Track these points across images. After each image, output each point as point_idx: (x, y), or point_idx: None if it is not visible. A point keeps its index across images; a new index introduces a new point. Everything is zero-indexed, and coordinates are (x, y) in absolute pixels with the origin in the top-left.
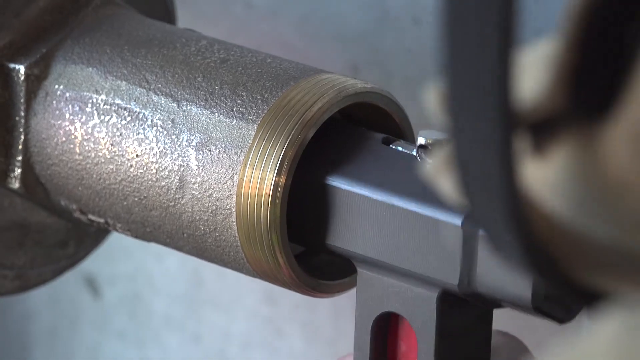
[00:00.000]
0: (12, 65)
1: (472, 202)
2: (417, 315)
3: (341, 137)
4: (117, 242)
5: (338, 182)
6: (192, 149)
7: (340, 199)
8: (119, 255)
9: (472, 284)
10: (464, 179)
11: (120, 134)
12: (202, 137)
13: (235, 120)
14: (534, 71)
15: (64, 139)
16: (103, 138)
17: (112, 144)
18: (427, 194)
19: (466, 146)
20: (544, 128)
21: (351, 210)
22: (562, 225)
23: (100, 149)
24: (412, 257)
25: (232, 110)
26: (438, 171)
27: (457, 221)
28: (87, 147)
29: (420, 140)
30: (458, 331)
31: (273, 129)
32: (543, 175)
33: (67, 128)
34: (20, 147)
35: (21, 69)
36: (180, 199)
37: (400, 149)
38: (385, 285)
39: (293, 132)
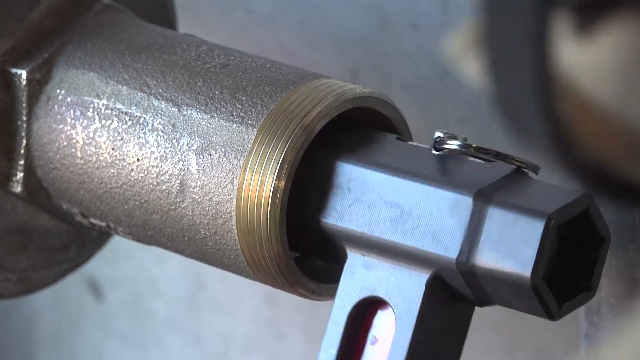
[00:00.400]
0: (14, 70)
1: (500, 80)
2: (402, 299)
3: (341, 140)
4: (119, 246)
5: (347, 164)
6: (193, 153)
7: (344, 176)
8: (121, 259)
9: (471, 259)
10: (493, 56)
11: (122, 138)
12: (202, 141)
13: (235, 125)
14: None
15: (65, 143)
16: (104, 142)
17: (113, 148)
18: (435, 173)
19: (499, 21)
20: (593, 7)
21: (352, 189)
22: (596, 109)
23: (102, 153)
24: (412, 232)
25: (232, 115)
26: (464, 50)
27: (468, 195)
28: (88, 151)
29: (438, 134)
30: (436, 328)
31: (273, 133)
32: (586, 57)
33: (68, 132)
34: (22, 151)
35: (23, 73)
36: (181, 203)
37: (413, 144)
38: (374, 268)
39: (292, 136)
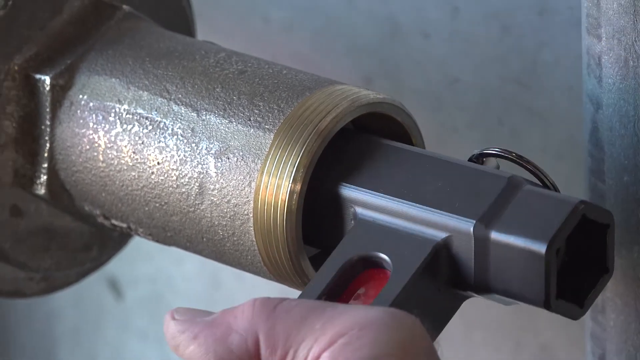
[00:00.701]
0: (38, 76)
1: None
2: (402, 260)
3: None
4: (139, 246)
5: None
6: (211, 156)
7: (372, 146)
8: (140, 258)
9: (490, 227)
10: None
11: (142, 142)
12: (220, 145)
13: (252, 129)
14: None
15: (88, 147)
16: (125, 146)
17: (134, 152)
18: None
19: None
20: None
21: (375, 156)
22: None
23: (123, 157)
24: (434, 196)
25: (250, 120)
26: None
27: (504, 174)
28: (110, 155)
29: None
30: (422, 301)
31: (289, 137)
32: None
33: (91, 136)
34: (46, 154)
35: (47, 79)
36: (200, 205)
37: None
38: (381, 229)
39: (308, 140)
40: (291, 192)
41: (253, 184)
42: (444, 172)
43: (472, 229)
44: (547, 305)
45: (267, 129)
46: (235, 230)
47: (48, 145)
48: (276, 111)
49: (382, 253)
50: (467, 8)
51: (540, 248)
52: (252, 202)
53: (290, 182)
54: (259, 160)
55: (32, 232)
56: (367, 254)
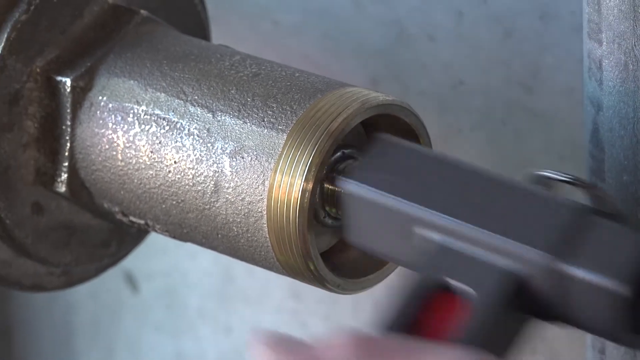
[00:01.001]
0: (59, 78)
1: None
2: (483, 287)
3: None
4: (154, 241)
5: None
6: (226, 156)
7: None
8: (156, 253)
9: (567, 261)
10: None
11: (160, 142)
12: (235, 145)
13: (266, 130)
14: None
15: (107, 146)
16: (143, 146)
17: (152, 151)
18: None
19: None
20: None
21: (447, 178)
22: None
23: (141, 156)
24: (504, 222)
25: (264, 121)
26: None
27: (575, 204)
28: (128, 154)
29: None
30: (497, 328)
31: (301, 138)
32: None
33: (110, 136)
34: (66, 153)
35: (67, 81)
36: (215, 203)
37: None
38: (454, 254)
39: (320, 141)
40: (303, 190)
41: (267, 183)
42: (507, 194)
43: (549, 263)
44: (624, 342)
45: (280, 129)
46: (249, 227)
47: (69, 144)
48: (289, 112)
49: (462, 282)
50: (471, 13)
51: (624, 289)
52: (265, 200)
53: (303, 180)
54: (273, 160)
55: (53, 229)
56: (447, 283)
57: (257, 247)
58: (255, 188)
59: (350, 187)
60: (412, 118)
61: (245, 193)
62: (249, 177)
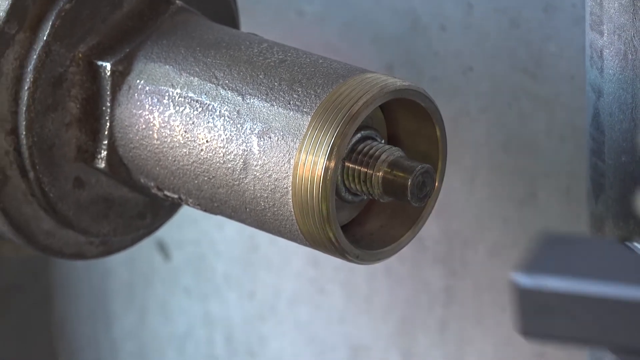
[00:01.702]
0: (100, 63)
1: None
2: None
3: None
4: (185, 213)
5: None
6: (255, 136)
7: None
8: (186, 224)
9: None
10: None
11: (193, 123)
12: (263, 126)
13: (292, 112)
14: None
15: (144, 126)
16: (178, 126)
17: (185, 131)
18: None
19: None
20: None
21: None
22: None
23: (175, 135)
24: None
25: (289, 103)
26: None
27: None
28: (163, 134)
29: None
30: None
31: (324, 120)
32: None
33: (146, 117)
34: (106, 132)
35: (108, 66)
36: (244, 179)
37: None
38: None
39: (342, 123)
40: (326, 169)
41: (292, 161)
42: None
43: None
44: None
45: (305, 112)
46: (275, 202)
47: (108, 124)
48: (313, 96)
49: None
50: (479, 4)
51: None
52: (290, 177)
53: (326, 159)
54: (298, 140)
55: (93, 202)
56: None
57: (283, 220)
58: (282, 166)
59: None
60: (428, 102)
61: (272, 170)
62: (275, 155)
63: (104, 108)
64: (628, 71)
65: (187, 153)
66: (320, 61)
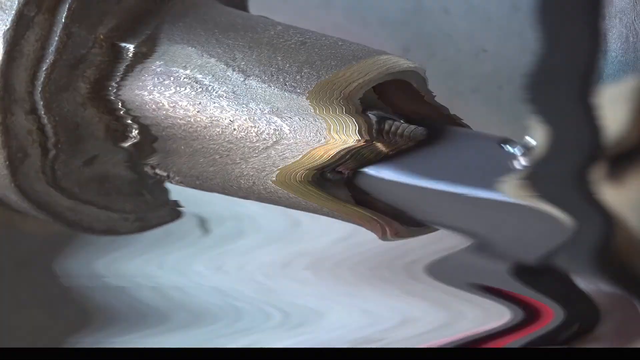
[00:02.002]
0: (123, 45)
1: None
2: None
3: None
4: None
5: None
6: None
7: None
8: (226, 199)
9: None
10: None
11: (200, 103)
12: (270, 107)
13: (287, 93)
14: (617, 108)
15: (154, 106)
16: (185, 105)
17: (198, 112)
18: None
19: None
20: (622, 159)
21: None
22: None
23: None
24: None
25: (286, 84)
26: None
27: None
28: (175, 114)
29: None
30: None
31: (318, 101)
32: (621, 198)
33: (156, 98)
34: (122, 112)
35: (131, 47)
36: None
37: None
38: None
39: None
40: None
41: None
42: None
43: None
44: None
45: (299, 92)
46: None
47: (120, 104)
48: (315, 78)
49: None
50: None
51: None
52: None
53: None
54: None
55: (93, 179)
56: None
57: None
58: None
59: None
60: (420, 82)
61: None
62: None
63: (110, 89)
64: (629, 54)
65: (220, 132)
66: (340, 43)
